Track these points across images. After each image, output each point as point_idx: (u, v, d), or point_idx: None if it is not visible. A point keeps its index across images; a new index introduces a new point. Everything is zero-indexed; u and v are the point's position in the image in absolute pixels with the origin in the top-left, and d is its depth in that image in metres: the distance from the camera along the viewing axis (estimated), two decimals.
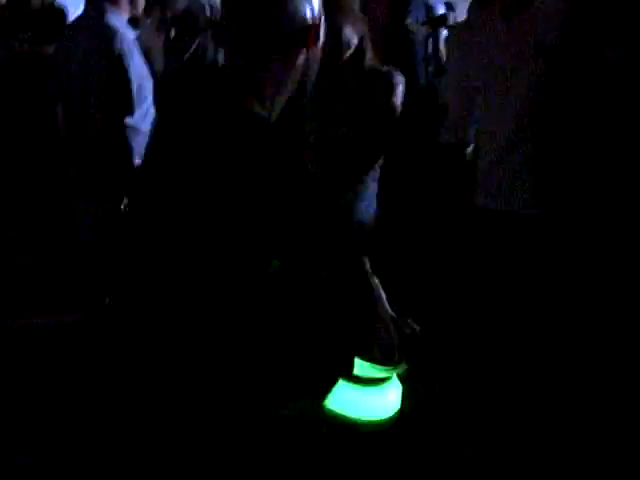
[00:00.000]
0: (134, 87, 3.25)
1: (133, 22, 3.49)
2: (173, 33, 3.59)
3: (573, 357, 2.66)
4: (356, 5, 3.22)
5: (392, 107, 2.91)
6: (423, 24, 5.54)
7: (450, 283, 3.36)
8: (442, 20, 5.36)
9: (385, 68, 2.98)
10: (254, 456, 1.53)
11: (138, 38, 3.42)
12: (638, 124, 2.55)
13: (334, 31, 2.76)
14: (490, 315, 2.82)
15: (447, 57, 2.99)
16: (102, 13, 3.26)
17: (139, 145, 3.22)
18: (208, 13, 3.46)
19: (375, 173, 2.99)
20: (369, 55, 2.91)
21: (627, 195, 2.58)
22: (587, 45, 2.54)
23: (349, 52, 2.84)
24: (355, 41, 2.84)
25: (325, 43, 2.67)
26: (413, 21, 5.50)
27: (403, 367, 1.76)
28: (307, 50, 1.56)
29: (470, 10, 4.72)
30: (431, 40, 5.28)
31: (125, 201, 3.06)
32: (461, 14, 5.53)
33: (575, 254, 2.62)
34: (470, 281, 2.94)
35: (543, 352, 2.68)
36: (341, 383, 1.59)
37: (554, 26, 2.61)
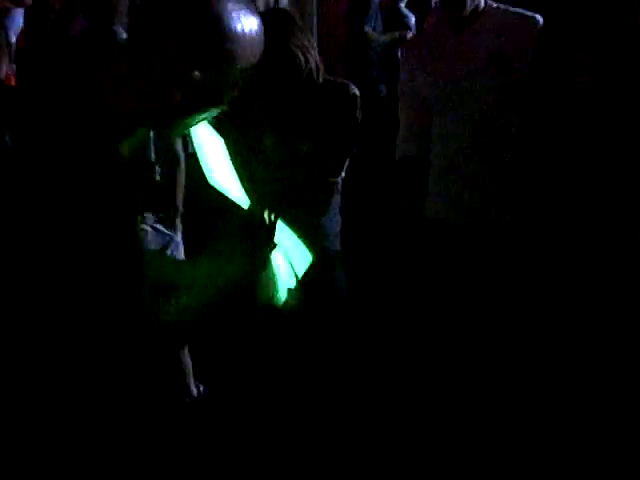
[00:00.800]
0: None
1: None
2: None
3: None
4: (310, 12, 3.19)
5: (352, 119, 2.91)
6: (382, 33, 5.48)
7: (407, 292, 3.42)
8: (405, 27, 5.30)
9: (339, 80, 2.99)
10: None
11: None
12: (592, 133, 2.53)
13: (288, 51, 2.76)
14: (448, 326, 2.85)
15: (400, 72, 3.00)
16: None
17: None
18: None
19: (338, 185, 3.00)
20: (322, 68, 2.89)
21: (582, 206, 2.56)
22: (552, 66, 2.52)
23: (306, 69, 2.83)
24: (311, 58, 2.82)
25: (281, 63, 2.72)
26: (370, 29, 5.43)
27: None
28: None
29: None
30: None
31: None
32: None
33: (527, 265, 2.63)
34: (425, 291, 3.00)
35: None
36: None
37: (511, 38, 2.66)
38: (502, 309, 2.71)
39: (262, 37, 1.36)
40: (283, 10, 3.38)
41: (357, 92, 2.91)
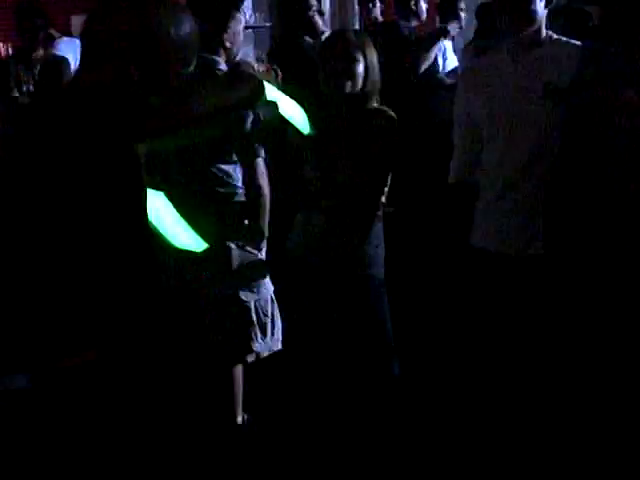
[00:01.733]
0: None
1: None
2: None
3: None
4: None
5: (391, 146, 2.94)
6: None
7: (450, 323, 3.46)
8: (443, 32, 4.97)
9: (384, 107, 2.97)
10: None
11: None
12: None
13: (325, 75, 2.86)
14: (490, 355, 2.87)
15: (454, 99, 2.97)
16: None
17: None
18: None
19: (379, 212, 2.99)
20: (374, 93, 2.93)
21: (629, 238, 2.58)
22: (602, 93, 2.56)
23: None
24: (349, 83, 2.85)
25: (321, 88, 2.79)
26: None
27: None
28: None
29: (464, 57, 4.71)
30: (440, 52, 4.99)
31: None
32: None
33: (573, 296, 2.63)
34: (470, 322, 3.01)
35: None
36: None
37: (565, 69, 2.60)
38: (543, 342, 2.70)
39: (194, 37, 1.73)
40: (340, 32, 3.42)
41: (395, 116, 2.91)
